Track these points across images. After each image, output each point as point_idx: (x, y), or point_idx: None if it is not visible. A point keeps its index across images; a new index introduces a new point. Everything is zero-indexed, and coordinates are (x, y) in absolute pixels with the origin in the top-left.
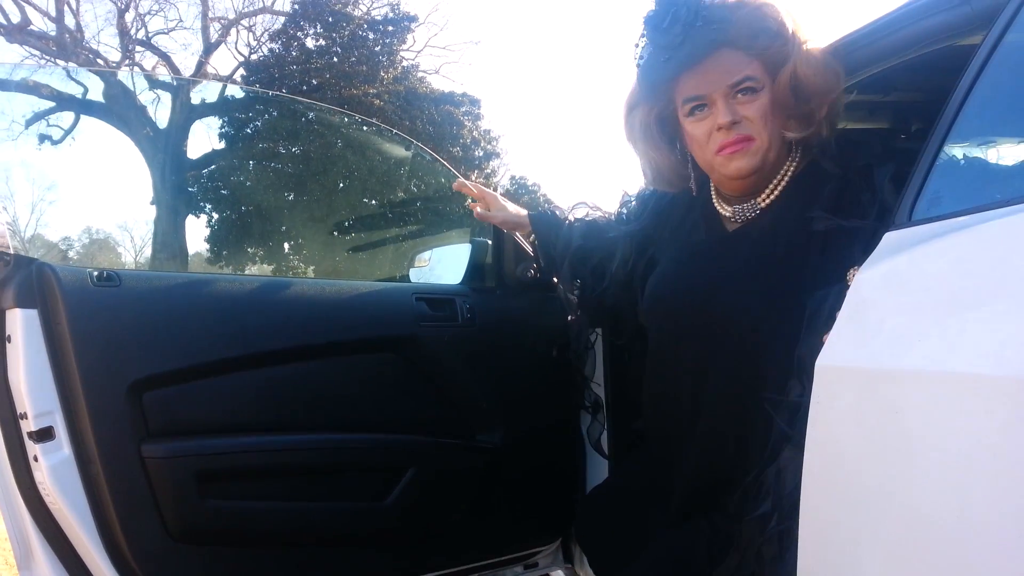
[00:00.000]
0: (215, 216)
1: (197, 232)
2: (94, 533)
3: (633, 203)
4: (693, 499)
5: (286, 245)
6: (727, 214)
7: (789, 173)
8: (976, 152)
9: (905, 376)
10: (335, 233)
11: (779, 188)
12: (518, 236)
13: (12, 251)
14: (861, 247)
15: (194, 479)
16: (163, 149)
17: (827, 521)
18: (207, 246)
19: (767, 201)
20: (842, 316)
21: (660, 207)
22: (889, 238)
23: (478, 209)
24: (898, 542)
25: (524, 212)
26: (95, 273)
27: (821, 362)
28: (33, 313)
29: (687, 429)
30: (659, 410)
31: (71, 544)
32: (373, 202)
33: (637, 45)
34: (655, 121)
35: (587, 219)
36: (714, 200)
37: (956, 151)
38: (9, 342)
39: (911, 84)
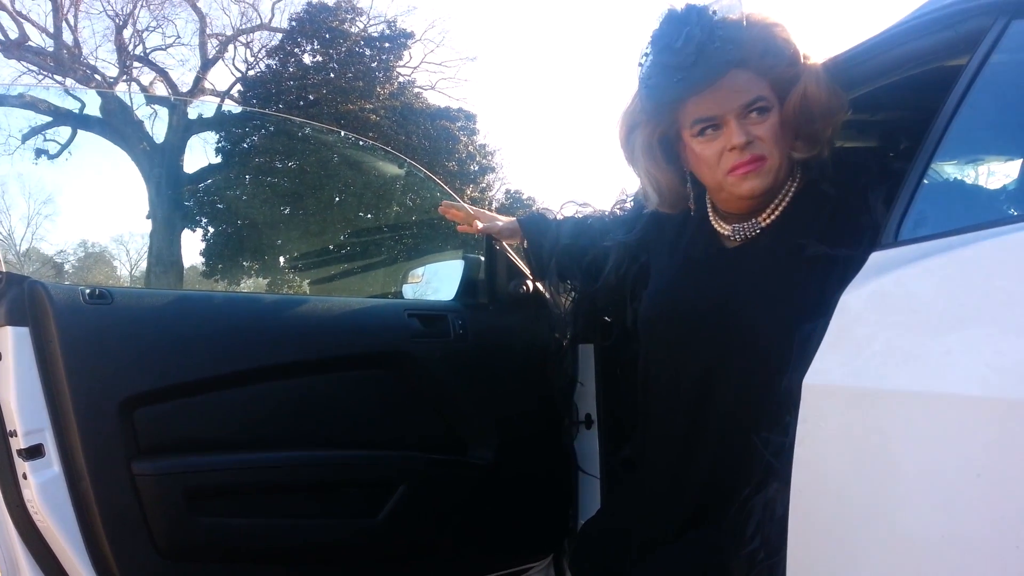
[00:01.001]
0: (211, 230)
1: (193, 246)
2: (82, 551)
3: (629, 204)
4: (696, 517)
5: (281, 259)
6: (726, 232)
7: (791, 193)
8: (962, 172)
9: (891, 396)
10: (329, 248)
11: (780, 208)
12: (510, 252)
13: (4, 268)
14: (854, 273)
15: (184, 496)
16: (159, 164)
17: (815, 542)
18: (202, 260)
19: (768, 220)
20: (829, 335)
21: (656, 216)
22: (875, 258)
23: (475, 225)
24: (886, 563)
25: (514, 219)
26: (87, 291)
27: (808, 381)
28: (24, 331)
29: (688, 446)
30: (657, 426)
31: (59, 562)
32: (368, 216)
33: (642, 64)
34: (658, 141)
35: (577, 216)
36: (711, 218)
37: (942, 171)
38: (0, 359)
39: (898, 103)
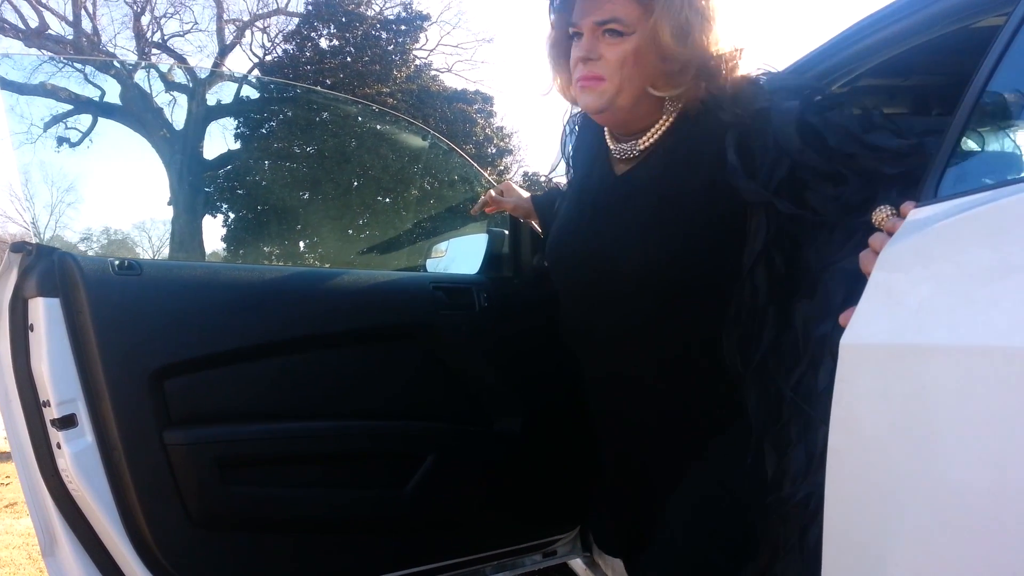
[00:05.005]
0: (231, 216)
1: (214, 232)
2: (116, 519)
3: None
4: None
5: (301, 244)
6: (614, 150)
7: (671, 121)
8: (1001, 129)
9: (934, 351)
10: (350, 231)
11: (658, 134)
12: (535, 224)
13: (34, 241)
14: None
15: (215, 466)
16: (180, 150)
17: (852, 503)
18: (223, 245)
19: (646, 144)
20: (867, 294)
21: (577, 143)
22: (915, 215)
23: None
24: (926, 522)
25: (527, 197)
26: (116, 262)
27: (845, 341)
28: (55, 302)
29: (611, 392)
30: (582, 375)
31: (94, 530)
32: (387, 200)
33: None
34: (559, 42)
35: None
36: (606, 133)
37: (981, 128)
38: (32, 331)
39: (931, 67)
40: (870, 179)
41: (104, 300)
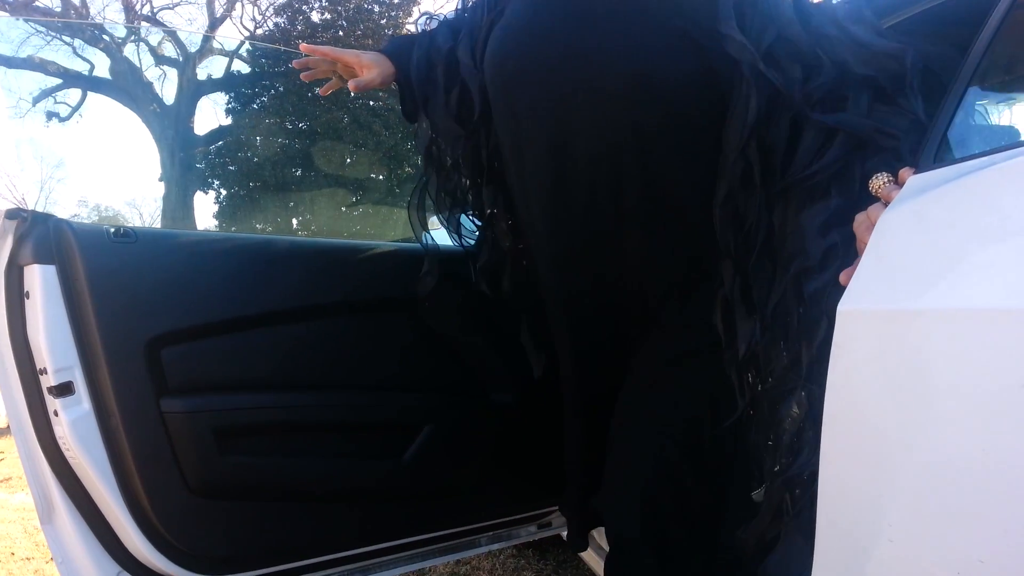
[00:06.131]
0: (223, 193)
1: (206, 208)
2: (114, 487)
3: None
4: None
5: (295, 221)
6: None
7: None
8: (1001, 96)
9: (931, 314)
10: (344, 208)
11: None
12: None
13: (29, 207)
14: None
15: (213, 434)
16: (170, 125)
17: (847, 466)
18: (216, 222)
19: None
20: (865, 259)
21: None
22: (914, 181)
23: (351, 83)
24: (921, 485)
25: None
26: (112, 230)
27: (843, 307)
28: (51, 269)
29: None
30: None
31: (91, 498)
32: (380, 177)
33: None
34: None
35: (451, 19)
36: None
37: (980, 95)
38: (28, 298)
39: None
40: (842, 77)
41: (100, 267)
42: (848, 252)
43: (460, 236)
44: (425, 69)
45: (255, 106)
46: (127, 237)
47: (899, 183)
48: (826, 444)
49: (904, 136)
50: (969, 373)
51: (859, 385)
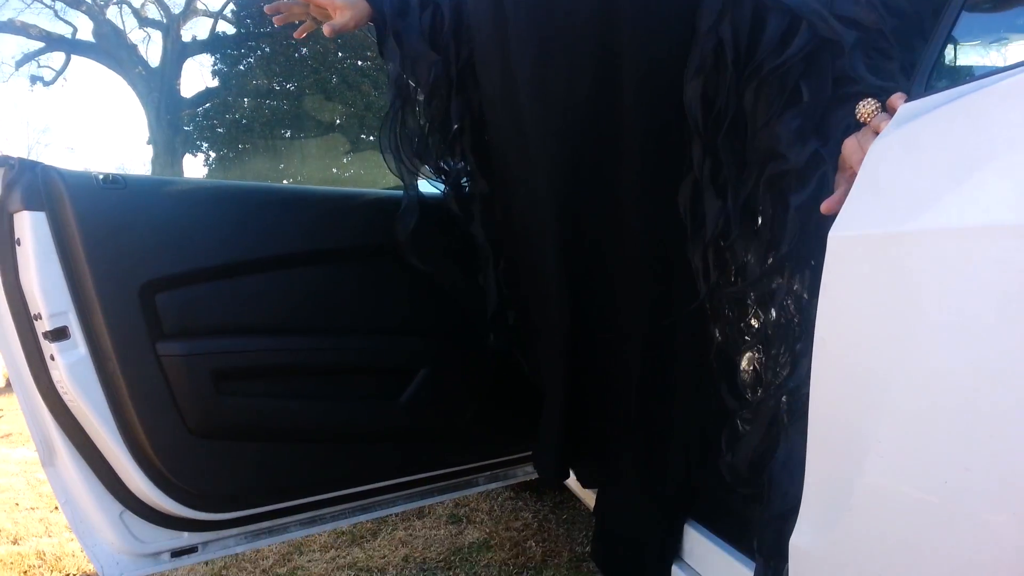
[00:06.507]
0: (211, 155)
1: (194, 171)
2: (114, 429)
3: None
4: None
5: (285, 183)
6: None
7: None
8: (992, 23)
9: (922, 236)
10: (335, 170)
11: None
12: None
13: (16, 155)
14: None
15: (210, 377)
16: (156, 88)
17: (837, 390)
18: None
19: None
20: (857, 186)
21: None
22: (905, 108)
23: (325, 27)
24: (911, 401)
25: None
26: (100, 176)
27: (834, 233)
28: (41, 215)
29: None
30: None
31: (91, 440)
32: (371, 139)
33: None
34: None
35: None
36: None
37: (971, 22)
38: (19, 245)
39: None
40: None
41: (90, 213)
42: (833, 166)
43: (423, 173)
44: (400, 1)
45: (241, 67)
46: (116, 184)
47: (890, 109)
48: (817, 366)
49: (866, 30)
50: (962, 290)
51: (851, 308)
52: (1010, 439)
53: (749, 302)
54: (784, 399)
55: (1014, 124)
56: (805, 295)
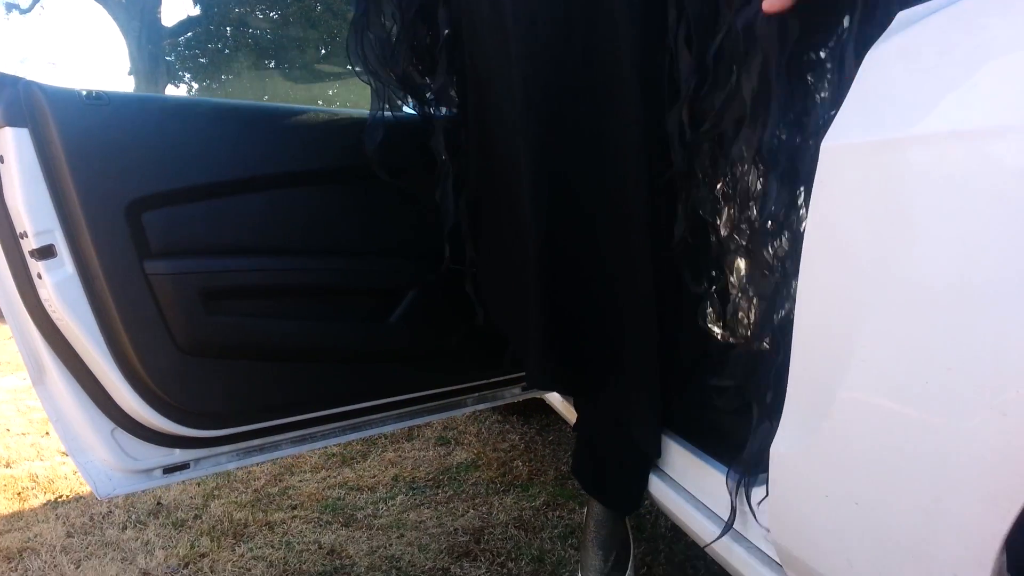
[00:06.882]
0: (195, 87)
1: None
2: (103, 347)
3: None
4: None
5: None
6: None
7: None
8: None
9: (915, 141)
10: (320, 103)
11: None
12: None
13: None
14: None
15: (199, 295)
16: (137, 16)
17: (824, 304)
18: None
19: None
20: (850, 97)
21: None
22: (902, 15)
23: None
24: (898, 307)
25: None
26: (83, 92)
27: (827, 143)
28: (24, 132)
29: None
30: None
31: (81, 359)
32: (357, 69)
33: None
34: None
35: None
36: None
37: None
38: (2, 162)
39: None
40: None
41: (74, 129)
42: None
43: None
44: None
45: None
46: (99, 100)
47: None
48: (803, 281)
49: None
50: (954, 196)
51: (841, 219)
52: (998, 346)
53: (724, 160)
54: (771, 314)
55: (1011, 26)
56: (775, 141)
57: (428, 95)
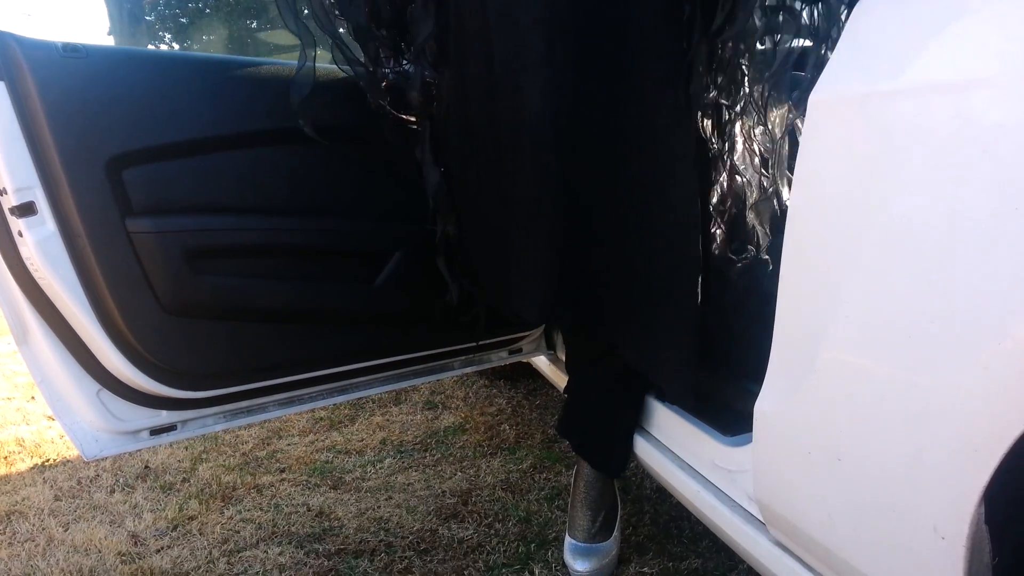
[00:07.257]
0: (175, 47)
1: None
2: (87, 306)
3: None
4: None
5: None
6: None
7: None
8: None
9: (902, 93)
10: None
11: None
12: None
13: None
14: None
15: (183, 255)
16: None
17: (809, 254)
18: None
19: None
20: (839, 49)
21: None
22: None
23: None
24: (884, 256)
25: None
26: (61, 45)
27: (815, 97)
28: (1, 85)
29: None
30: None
31: (64, 319)
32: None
33: None
34: None
35: None
36: None
37: None
38: None
39: None
40: None
41: (52, 83)
42: None
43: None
44: None
45: None
46: (77, 52)
47: None
48: (790, 231)
49: None
50: (941, 147)
51: (827, 173)
52: (981, 301)
53: (723, 51)
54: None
55: None
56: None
57: (408, 47)
